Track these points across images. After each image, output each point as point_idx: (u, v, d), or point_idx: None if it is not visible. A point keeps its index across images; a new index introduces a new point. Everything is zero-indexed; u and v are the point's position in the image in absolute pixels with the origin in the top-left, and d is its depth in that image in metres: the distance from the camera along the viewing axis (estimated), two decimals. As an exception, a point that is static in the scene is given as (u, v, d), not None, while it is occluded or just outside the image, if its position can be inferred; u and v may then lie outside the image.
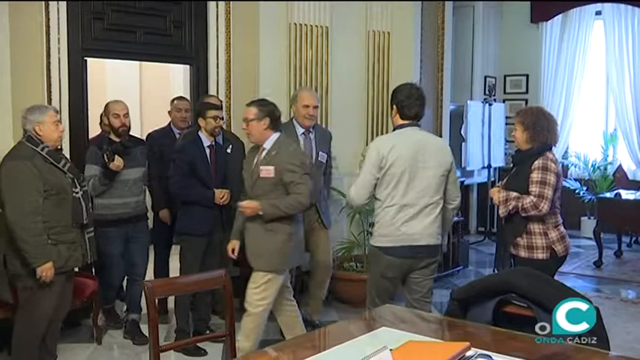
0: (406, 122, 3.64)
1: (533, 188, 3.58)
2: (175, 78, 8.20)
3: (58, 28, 4.78)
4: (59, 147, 3.88)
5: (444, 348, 2.10)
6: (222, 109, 4.79)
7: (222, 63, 5.65)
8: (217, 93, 5.64)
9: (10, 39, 4.49)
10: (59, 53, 4.80)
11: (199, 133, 4.49)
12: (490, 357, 2.02)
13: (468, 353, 2.02)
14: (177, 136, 5.05)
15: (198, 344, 4.42)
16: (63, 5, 4.83)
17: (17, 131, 4.05)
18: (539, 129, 3.67)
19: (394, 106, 3.67)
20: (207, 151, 4.47)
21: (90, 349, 4.54)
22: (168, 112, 5.25)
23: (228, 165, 4.78)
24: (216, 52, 5.64)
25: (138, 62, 7.91)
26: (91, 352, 4.49)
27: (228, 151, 4.90)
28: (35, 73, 4.68)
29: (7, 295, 3.81)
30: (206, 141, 4.46)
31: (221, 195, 4.42)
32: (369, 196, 3.64)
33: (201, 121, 4.45)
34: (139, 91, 8.48)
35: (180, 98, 5.38)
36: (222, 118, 4.59)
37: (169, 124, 5.21)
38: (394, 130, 3.72)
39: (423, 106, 3.68)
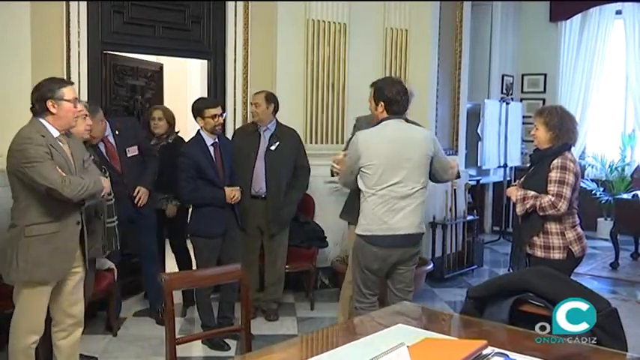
0: (391, 116, 3.66)
1: (552, 187, 3.56)
2: (193, 73, 8.23)
3: (79, 21, 4.81)
4: (84, 139, 3.90)
5: (461, 346, 2.10)
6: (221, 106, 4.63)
7: (239, 58, 5.67)
8: (234, 88, 5.66)
9: (31, 33, 4.52)
10: (79, 47, 4.83)
11: (201, 132, 4.44)
12: (507, 356, 2.02)
13: (485, 352, 2.01)
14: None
15: (225, 339, 4.49)
16: (83, -1, 4.87)
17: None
18: (564, 129, 3.65)
19: (381, 103, 3.65)
20: (211, 149, 4.42)
21: (105, 340, 4.59)
22: None
23: (270, 162, 4.87)
24: (234, 47, 5.65)
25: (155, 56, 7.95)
26: (107, 344, 4.53)
27: (272, 148, 4.92)
28: (55, 66, 4.71)
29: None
30: (208, 139, 4.42)
31: (232, 194, 4.41)
32: (354, 186, 3.74)
33: (199, 121, 4.40)
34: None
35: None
36: (222, 114, 4.50)
37: None
38: (376, 124, 3.71)
39: (408, 102, 3.74)
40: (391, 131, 3.62)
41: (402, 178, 3.58)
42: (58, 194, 3.14)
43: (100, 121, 4.47)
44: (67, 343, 3.49)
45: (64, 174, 3.17)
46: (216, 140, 4.45)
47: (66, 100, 3.24)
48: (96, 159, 3.85)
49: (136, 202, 4.70)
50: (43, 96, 3.21)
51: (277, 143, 4.94)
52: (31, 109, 3.28)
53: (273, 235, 5.02)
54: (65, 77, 4.72)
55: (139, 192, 4.71)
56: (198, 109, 4.42)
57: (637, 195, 7.15)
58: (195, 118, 4.45)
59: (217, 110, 4.41)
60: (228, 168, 4.52)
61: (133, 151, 4.75)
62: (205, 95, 5.71)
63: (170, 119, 5.18)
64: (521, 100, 9.18)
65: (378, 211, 3.59)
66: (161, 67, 6.09)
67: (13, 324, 3.36)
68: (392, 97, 3.61)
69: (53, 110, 3.21)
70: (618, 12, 8.66)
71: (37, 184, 3.14)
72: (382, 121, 3.66)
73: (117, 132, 4.69)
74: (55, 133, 3.25)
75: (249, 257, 4.93)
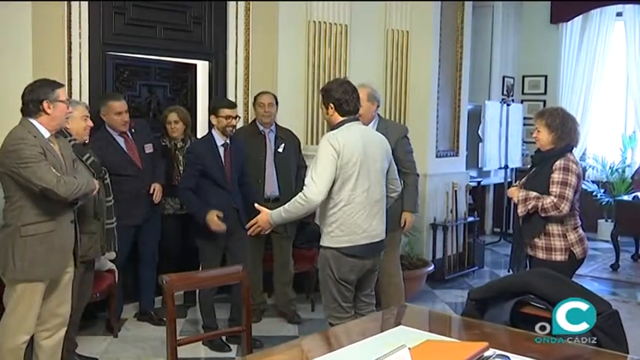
0: (347, 118, 3.46)
1: (554, 188, 3.56)
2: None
3: (80, 23, 4.80)
4: (85, 141, 3.93)
5: (463, 348, 2.10)
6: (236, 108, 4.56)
7: (241, 60, 5.67)
8: (236, 89, 5.66)
9: (32, 33, 4.51)
10: (80, 48, 4.82)
11: (212, 131, 4.44)
12: (508, 358, 2.02)
13: (486, 354, 2.01)
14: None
15: (225, 340, 4.48)
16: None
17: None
18: (567, 130, 3.66)
19: (330, 105, 3.45)
20: (221, 150, 4.37)
21: (106, 341, 4.59)
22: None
23: (279, 164, 4.87)
24: (236, 48, 5.65)
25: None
26: (107, 345, 4.53)
27: (280, 150, 4.92)
28: (56, 67, 4.70)
29: None
30: (219, 140, 4.37)
31: (214, 220, 4.18)
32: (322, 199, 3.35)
33: (213, 119, 4.39)
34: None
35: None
36: (237, 117, 4.46)
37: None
38: (336, 127, 3.46)
39: (359, 100, 3.55)
40: (359, 132, 3.45)
41: (371, 183, 3.42)
42: (53, 194, 3.16)
43: (126, 109, 4.60)
44: (50, 342, 3.49)
45: (58, 174, 3.19)
46: (227, 141, 4.40)
47: (60, 101, 3.29)
48: (96, 160, 3.84)
49: (153, 198, 4.72)
50: (38, 97, 3.24)
51: (283, 145, 4.95)
52: (22, 109, 3.30)
53: (286, 238, 4.99)
54: (66, 78, 4.74)
55: (154, 189, 4.73)
56: (214, 106, 4.44)
57: (637, 196, 7.15)
58: (210, 116, 4.46)
59: (232, 112, 4.37)
60: (237, 171, 4.46)
61: (149, 148, 4.81)
62: (206, 96, 5.72)
63: (186, 121, 5.14)
64: (521, 101, 9.19)
65: (359, 219, 3.38)
66: (194, 67, 5.81)
67: (2, 324, 3.35)
68: (340, 97, 3.43)
69: (49, 111, 3.25)
70: (619, 14, 8.67)
71: (31, 184, 3.15)
72: (341, 123, 3.45)
73: (133, 130, 4.75)
74: (46, 134, 3.28)
75: (254, 259, 4.91)
